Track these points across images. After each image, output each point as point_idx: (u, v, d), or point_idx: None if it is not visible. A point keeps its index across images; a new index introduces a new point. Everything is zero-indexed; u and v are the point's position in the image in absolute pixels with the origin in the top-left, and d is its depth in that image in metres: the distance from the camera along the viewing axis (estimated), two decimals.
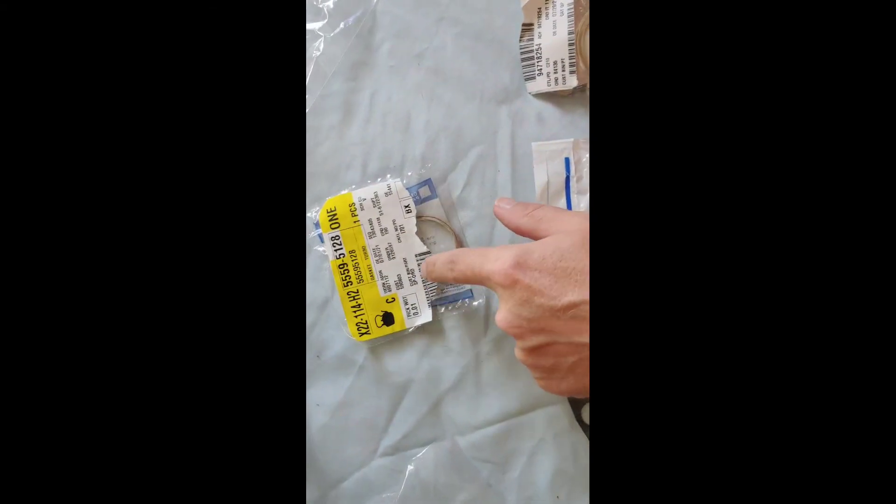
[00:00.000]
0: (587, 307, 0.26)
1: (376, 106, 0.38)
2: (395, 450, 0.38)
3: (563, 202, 0.37)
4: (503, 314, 0.29)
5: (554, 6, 0.36)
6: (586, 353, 0.27)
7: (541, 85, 0.37)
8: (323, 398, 0.39)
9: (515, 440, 0.38)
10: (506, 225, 0.32)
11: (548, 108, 0.37)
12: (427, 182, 0.37)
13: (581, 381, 0.28)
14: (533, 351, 0.29)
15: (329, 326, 0.38)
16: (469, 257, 0.31)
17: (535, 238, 0.30)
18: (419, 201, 0.37)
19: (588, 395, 0.32)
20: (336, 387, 0.39)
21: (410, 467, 0.38)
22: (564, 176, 0.37)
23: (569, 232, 0.28)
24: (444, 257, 0.33)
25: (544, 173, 0.37)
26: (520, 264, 0.28)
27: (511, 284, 0.28)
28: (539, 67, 0.37)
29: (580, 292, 0.26)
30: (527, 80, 0.37)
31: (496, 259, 0.29)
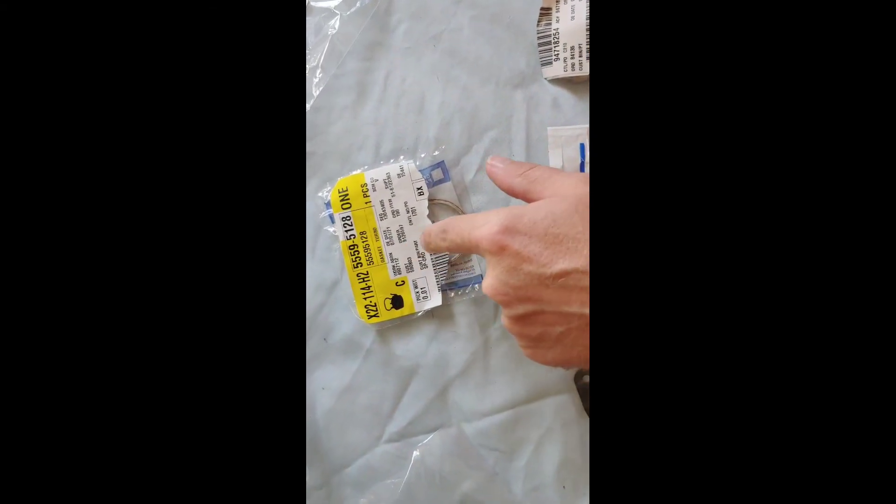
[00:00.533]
0: (578, 276, 0.25)
1: (391, 87, 0.37)
2: (401, 436, 0.38)
3: None
4: (490, 281, 0.28)
5: None
6: (575, 322, 0.26)
7: (557, 70, 0.36)
8: (329, 382, 0.38)
9: (523, 428, 0.37)
10: (498, 185, 0.31)
11: (563, 94, 0.37)
12: (440, 164, 0.37)
13: (569, 352, 0.27)
14: (520, 319, 0.27)
15: (337, 308, 0.38)
16: (459, 224, 0.30)
17: (528, 200, 0.29)
18: (432, 184, 0.37)
19: (576, 366, 0.31)
20: (342, 370, 0.38)
21: (416, 454, 0.37)
22: (579, 161, 0.36)
23: (564, 196, 0.27)
24: (438, 226, 0.32)
25: (559, 158, 0.36)
26: (508, 229, 0.26)
27: (499, 251, 0.26)
28: (556, 52, 0.36)
29: (571, 260, 0.25)
30: (543, 65, 0.37)
31: (483, 223, 0.27)
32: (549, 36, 0.36)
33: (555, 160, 0.36)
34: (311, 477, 0.38)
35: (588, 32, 0.36)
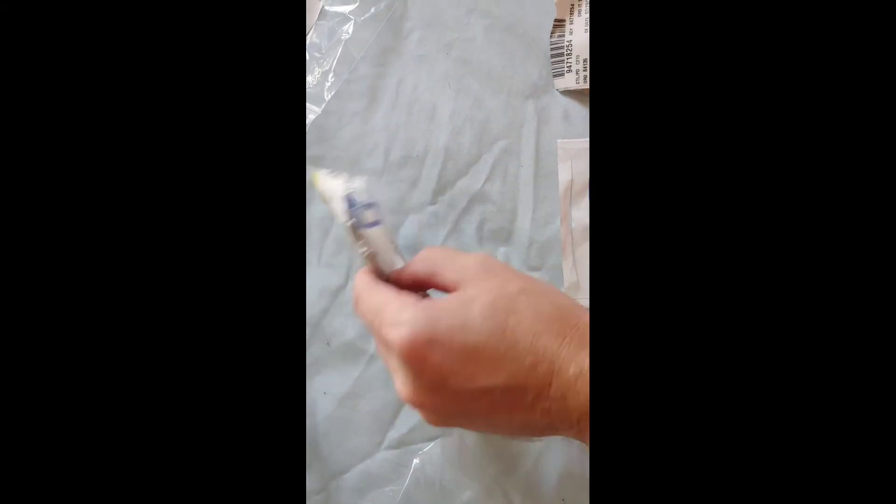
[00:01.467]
0: (500, 393, 0.23)
1: (402, 93, 0.37)
2: (401, 443, 0.38)
3: (586, 201, 0.36)
4: (410, 392, 0.25)
5: (587, 3, 0.36)
6: (501, 430, 0.27)
7: (569, 82, 0.36)
8: (330, 387, 0.38)
9: (524, 440, 0.37)
10: (405, 279, 0.28)
11: (575, 107, 0.37)
12: (372, 205, 0.29)
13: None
14: (445, 425, 0.28)
15: (341, 314, 0.38)
16: (370, 303, 0.26)
17: (434, 286, 0.27)
18: (360, 226, 0.28)
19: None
20: (344, 376, 0.38)
21: (416, 462, 0.37)
22: (589, 175, 0.36)
23: (475, 294, 0.25)
24: (354, 293, 0.28)
25: (568, 171, 0.36)
26: (426, 339, 0.23)
27: (418, 362, 0.24)
28: (568, 64, 0.36)
29: (492, 377, 0.23)
30: (555, 76, 0.37)
31: (396, 324, 0.24)
32: (563, 47, 0.36)
33: (564, 173, 0.36)
34: (310, 481, 0.38)
35: None
